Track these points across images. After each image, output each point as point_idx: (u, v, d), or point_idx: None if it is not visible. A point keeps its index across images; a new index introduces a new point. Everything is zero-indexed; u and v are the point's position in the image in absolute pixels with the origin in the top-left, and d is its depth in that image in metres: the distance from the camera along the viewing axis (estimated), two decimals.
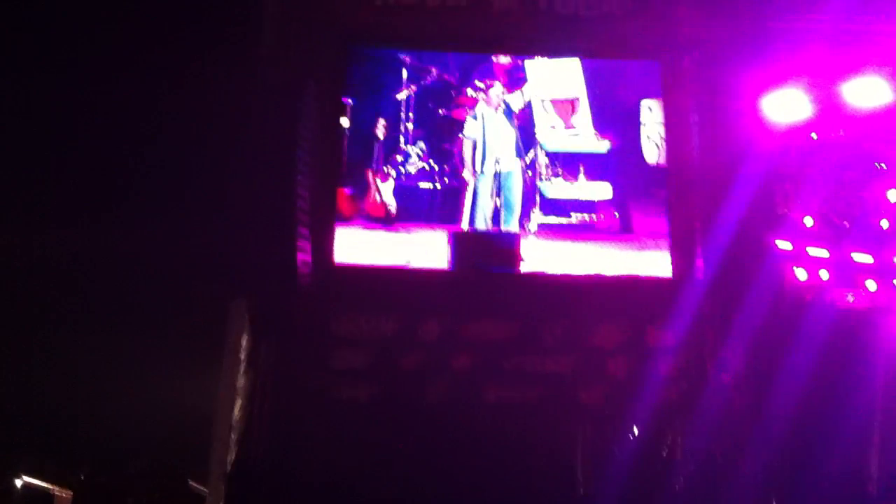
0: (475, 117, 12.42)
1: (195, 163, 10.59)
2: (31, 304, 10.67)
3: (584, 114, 12.48)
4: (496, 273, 11.65)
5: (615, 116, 12.54)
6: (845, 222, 11.88)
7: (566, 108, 12.50)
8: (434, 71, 12.52)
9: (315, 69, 11.61)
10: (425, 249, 11.93)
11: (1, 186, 10.56)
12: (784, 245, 11.71)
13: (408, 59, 12.48)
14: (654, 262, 11.97)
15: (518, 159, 12.37)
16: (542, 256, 11.97)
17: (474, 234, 12.09)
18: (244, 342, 11.03)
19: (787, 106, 11.61)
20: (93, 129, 10.69)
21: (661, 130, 12.38)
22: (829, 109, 11.56)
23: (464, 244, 11.82)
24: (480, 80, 12.45)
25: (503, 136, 12.40)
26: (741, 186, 11.44)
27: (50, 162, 10.66)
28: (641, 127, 12.46)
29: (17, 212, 10.67)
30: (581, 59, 12.53)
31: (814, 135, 11.64)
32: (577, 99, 12.50)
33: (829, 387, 11.15)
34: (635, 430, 11.53)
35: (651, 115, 12.44)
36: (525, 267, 11.80)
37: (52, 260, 10.52)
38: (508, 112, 12.43)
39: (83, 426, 10.56)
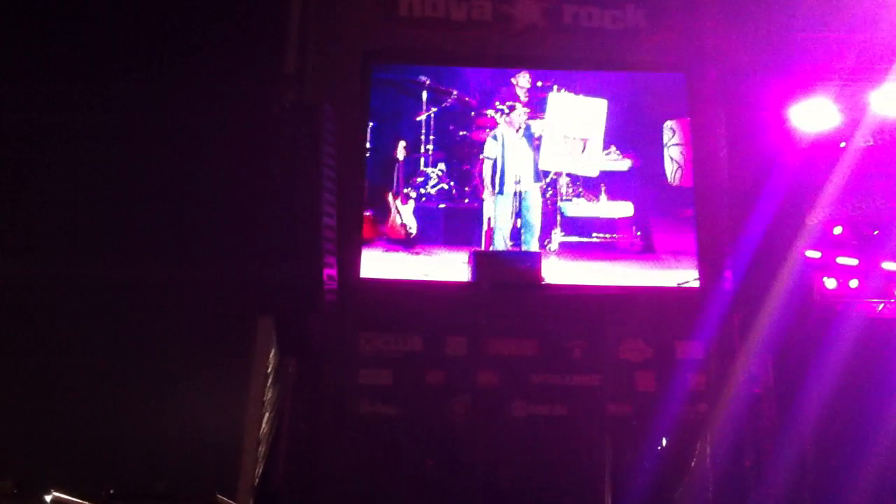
0: (495, 137, 12.41)
1: (222, 182, 10.61)
2: (61, 323, 10.73)
3: (593, 151, 12.47)
4: (520, 290, 11.67)
5: (638, 136, 12.50)
6: (874, 231, 11.78)
7: (576, 145, 12.48)
8: (454, 93, 12.52)
9: (336, 89, 11.68)
10: (446, 270, 11.98)
11: (34, 211, 10.65)
12: (813, 254, 11.63)
13: (428, 82, 12.50)
14: (680, 277, 11.99)
15: (537, 182, 12.38)
16: (564, 274, 11.99)
17: (495, 254, 12.08)
18: (271, 358, 11.08)
19: (814, 115, 11.52)
20: (116, 150, 10.74)
21: (684, 151, 12.39)
22: (857, 118, 11.47)
23: (484, 264, 11.86)
24: (502, 103, 12.47)
25: (522, 158, 12.38)
26: (769, 196, 11.37)
27: (79, 186, 10.72)
28: (665, 148, 12.45)
29: (47, 236, 10.74)
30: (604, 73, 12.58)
31: (842, 143, 11.55)
32: (588, 139, 12.51)
33: (858, 397, 11.06)
34: (664, 442, 11.50)
35: (674, 137, 12.43)
36: (550, 285, 11.84)
37: (80, 280, 10.57)
38: (528, 134, 12.40)
39: (112, 442, 10.59)
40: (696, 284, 11.88)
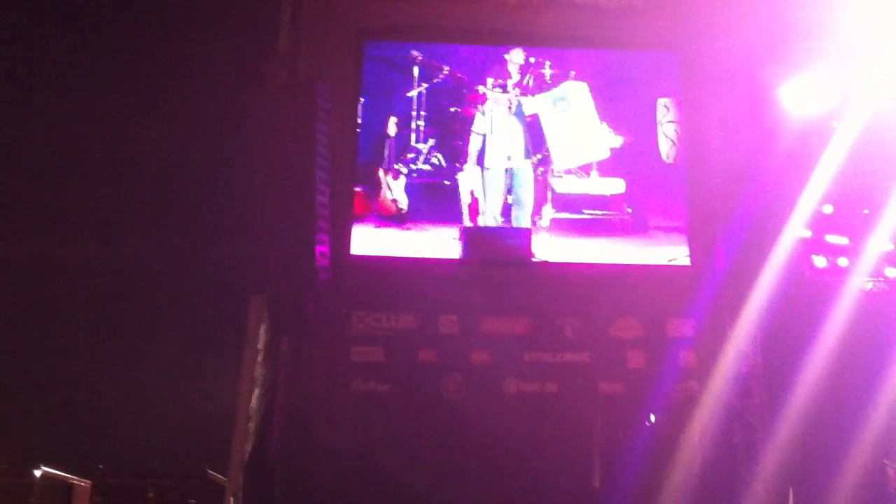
0: (484, 113, 12.36)
1: (214, 161, 10.58)
2: (52, 303, 10.70)
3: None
4: (511, 267, 11.69)
5: (630, 113, 12.42)
6: (865, 210, 11.81)
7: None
8: (446, 69, 12.40)
9: (329, 66, 11.60)
10: (437, 246, 11.92)
11: (34, 199, 10.61)
12: (803, 233, 11.65)
13: (420, 57, 12.39)
14: (670, 254, 11.99)
15: (527, 159, 12.34)
16: (555, 251, 11.95)
17: (486, 230, 12.05)
18: (263, 335, 11.06)
19: (806, 95, 11.53)
20: (106, 132, 10.69)
21: (678, 128, 12.35)
22: (849, 99, 11.48)
23: (475, 240, 11.86)
24: (495, 79, 12.40)
25: (512, 134, 12.33)
26: (760, 175, 11.39)
27: (69, 166, 10.66)
28: (658, 125, 12.42)
29: (38, 216, 10.69)
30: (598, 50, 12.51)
31: (834, 124, 11.55)
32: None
33: (847, 374, 11.13)
34: (654, 419, 11.55)
35: (668, 114, 12.40)
36: (540, 261, 11.84)
37: (73, 260, 10.54)
38: (519, 112, 12.34)
39: (103, 419, 10.60)
40: (687, 261, 11.87)
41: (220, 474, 10.08)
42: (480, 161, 12.21)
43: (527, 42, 12.36)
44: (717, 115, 11.85)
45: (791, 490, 11.10)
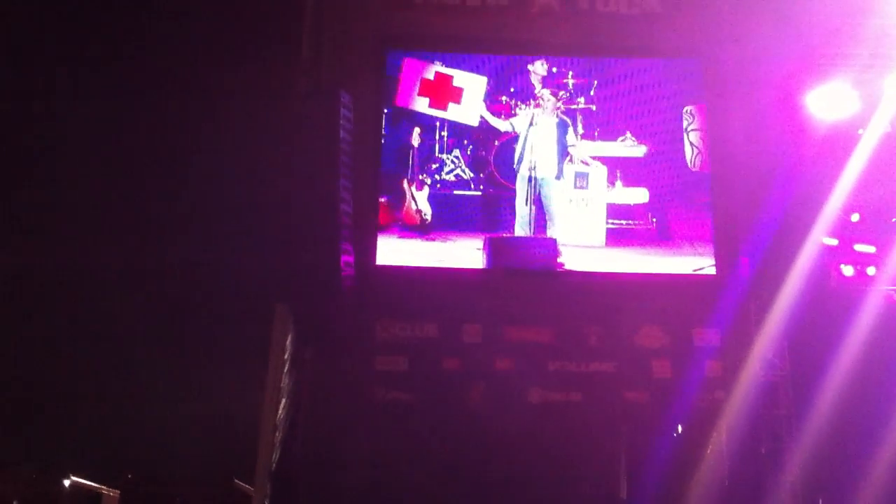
0: (528, 118, 12.37)
1: (240, 170, 10.65)
2: (81, 311, 10.83)
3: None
4: (537, 276, 11.70)
5: (654, 121, 12.37)
6: (892, 218, 11.74)
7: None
8: None
9: (352, 75, 11.67)
10: (461, 256, 11.93)
11: (60, 207, 10.75)
12: (830, 241, 11.59)
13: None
14: (696, 264, 11.94)
15: (558, 179, 12.34)
16: (580, 261, 11.95)
17: (511, 240, 12.01)
18: (288, 346, 11.11)
19: (831, 102, 11.49)
20: (128, 139, 10.80)
21: (703, 135, 12.28)
22: (875, 105, 11.42)
23: (499, 250, 11.84)
24: (517, 89, 12.38)
25: (546, 144, 12.33)
26: (785, 182, 11.35)
27: (100, 176, 10.80)
28: (685, 133, 12.38)
29: (69, 224, 10.84)
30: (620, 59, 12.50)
31: (860, 130, 11.49)
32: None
33: (874, 384, 11.06)
34: (679, 429, 11.50)
35: (693, 121, 12.37)
36: (565, 270, 11.82)
37: (101, 269, 10.65)
38: (563, 124, 12.38)
39: (130, 428, 10.70)
40: (713, 271, 11.82)
41: (247, 483, 10.11)
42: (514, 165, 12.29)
43: (549, 51, 12.33)
44: (742, 123, 11.79)
45: (820, 500, 11.03)
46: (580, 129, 12.29)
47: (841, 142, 11.54)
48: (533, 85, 12.37)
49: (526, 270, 11.73)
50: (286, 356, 11.21)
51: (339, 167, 10.70)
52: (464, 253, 11.95)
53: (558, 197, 12.20)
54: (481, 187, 12.26)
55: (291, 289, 10.84)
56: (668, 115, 12.37)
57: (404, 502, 10.83)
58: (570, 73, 12.38)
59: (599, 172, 12.20)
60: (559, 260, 11.85)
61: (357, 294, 11.00)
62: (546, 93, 12.30)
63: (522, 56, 12.43)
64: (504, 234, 12.06)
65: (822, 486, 11.04)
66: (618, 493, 11.49)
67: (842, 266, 11.68)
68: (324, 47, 11.73)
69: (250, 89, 10.61)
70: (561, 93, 12.29)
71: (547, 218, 12.13)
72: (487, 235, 11.97)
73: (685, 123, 12.36)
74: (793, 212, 11.29)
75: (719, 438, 11.37)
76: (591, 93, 12.33)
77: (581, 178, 12.24)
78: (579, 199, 12.20)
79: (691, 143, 12.31)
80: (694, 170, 12.25)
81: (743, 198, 11.67)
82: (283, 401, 11.17)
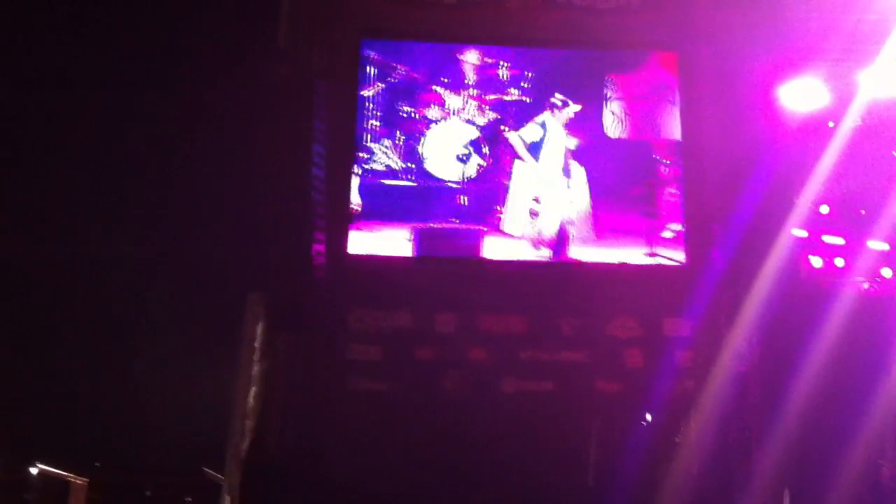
0: (543, 126, 12.31)
1: (211, 159, 10.57)
2: (48, 302, 10.73)
3: None
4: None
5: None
6: (861, 210, 11.84)
7: None
8: (401, 68, 12.37)
9: (328, 64, 11.60)
10: (389, 246, 11.86)
11: (28, 199, 10.64)
12: (800, 233, 11.68)
13: (375, 56, 12.32)
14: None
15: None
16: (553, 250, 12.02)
17: (438, 230, 11.96)
18: (260, 334, 11.08)
19: (804, 95, 11.58)
20: (95, 129, 10.67)
21: (625, 106, 12.33)
22: (847, 98, 11.51)
23: (427, 239, 11.85)
24: (449, 79, 12.36)
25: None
26: (757, 175, 11.41)
27: (68, 166, 10.68)
28: (605, 103, 12.37)
29: (36, 217, 10.72)
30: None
31: (831, 123, 11.58)
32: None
33: (844, 375, 11.13)
34: (650, 419, 11.56)
35: (615, 90, 12.40)
36: (487, 259, 11.87)
37: (70, 259, 10.54)
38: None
39: (100, 417, 10.62)
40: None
41: (218, 472, 10.08)
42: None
43: (526, 44, 12.37)
44: (716, 116, 11.84)
45: (787, 490, 11.12)
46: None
47: (813, 135, 11.63)
48: (465, 74, 12.38)
49: (451, 258, 11.81)
50: (257, 344, 11.18)
51: (312, 156, 10.68)
52: (391, 243, 11.87)
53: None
54: (412, 177, 12.17)
55: (263, 277, 10.82)
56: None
57: (378, 490, 10.83)
58: (530, 73, 12.37)
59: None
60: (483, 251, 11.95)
61: (330, 282, 10.99)
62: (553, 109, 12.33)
63: (454, 45, 12.42)
64: (432, 225, 12.03)
65: (790, 475, 11.12)
66: (589, 480, 11.56)
67: (811, 257, 11.77)
68: (299, 38, 11.65)
69: (223, 77, 10.52)
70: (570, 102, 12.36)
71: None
72: (414, 226, 11.93)
73: (606, 91, 12.40)
74: (765, 203, 11.34)
75: (690, 428, 11.44)
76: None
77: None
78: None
79: (613, 113, 12.39)
80: (613, 137, 12.32)
81: (715, 190, 11.74)
82: (254, 389, 11.13)
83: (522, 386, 11.51)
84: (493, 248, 11.95)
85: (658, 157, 12.27)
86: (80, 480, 9.92)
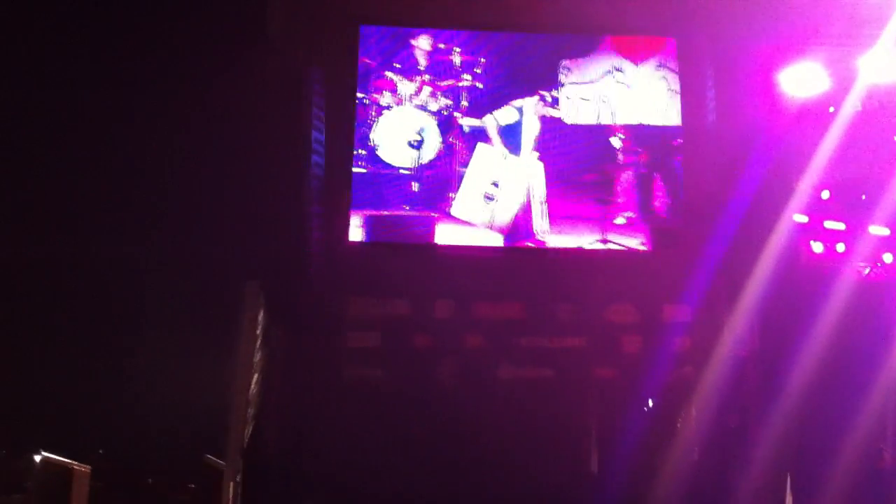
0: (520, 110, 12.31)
1: (208, 148, 10.58)
2: (52, 295, 10.81)
3: None
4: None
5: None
6: (862, 195, 11.83)
7: None
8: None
9: (323, 52, 11.61)
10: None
11: (30, 193, 10.70)
12: (800, 218, 11.67)
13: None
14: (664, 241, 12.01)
15: None
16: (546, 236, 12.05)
17: (388, 217, 12.00)
18: (259, 322, 11.14)
19: (803, 80, 11.53)
20: (87, 125, 10.69)
21: (581, 92, 12.32)
22: (846, 83, 11.47)
23: (377, 226, 11.90)
24: (401, 64, 12.29)
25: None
26: (757, 160, 11.41)
27: (60, 163, 10.72)
28: (559, 88, 12.36)
29: (35, 215, 10.79)
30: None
31: (831, 108, 11.55)
32: None
33: (845, 360, 11.14)
34: (650, 404, 11.60)
35: (570, 76, 12.37)
36: (439, 245, 11.92)
37: (70, 253, 10.62)
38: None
39: (103, 406, 10.69)
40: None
41: (219, 460, 10.16)
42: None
43: (521, 29, 12.32)
44: (715, 101, 11.87)
45: (788, 474, 11.14)
46: None
47: (812, 120, 11.60)
48: (417, 60, 12.32)
49: (401, 244, 11.87)
50: (257, 332, 11.24)
51: (309, 145, 10.71)
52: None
53: None
54: (362, 163, 12.12)
55: (262, 266, 10.89)
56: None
57: (375, 478, 10.88)
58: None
59: None
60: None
61: (328, 271, 11.04)
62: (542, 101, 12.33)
63: (408, 30, 12.34)
64: (384, 212, 12.01)
65: (790, 460, 11.15)
66: (588, 467, 11.62)
67: (812, 243, 11.76)
68: (294, 24, 11.62)
69: (215, 66, 10.52)
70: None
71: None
72: (365, 213, 11.93)
73: (560, 76, 12.38)
74: (765, 189, 11.35)
75: (689, 413, 11.49)
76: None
77: None
78: None
79: (568, 98, 12.33)
80: (569, 123, 12.30)
81: (715, 175, 11.74)
82: (256, 376, 11.20)
83: (520, 373, 11.59)
84: (446, 234, 11.97)
85: (614, 143, 12.28)
86: (82, 468, 9.99)
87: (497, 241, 12.02)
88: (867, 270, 11.74)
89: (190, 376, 10.67)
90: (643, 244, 12.04)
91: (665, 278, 11.63)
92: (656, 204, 12.21)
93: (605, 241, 12.01)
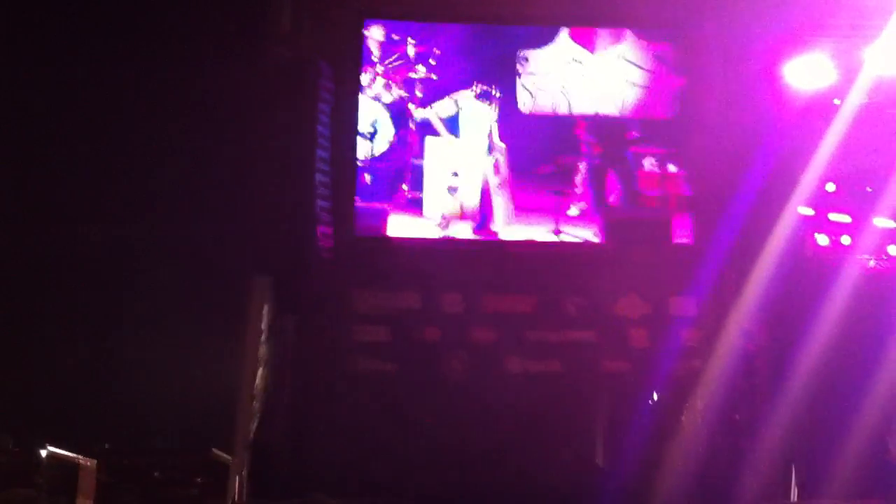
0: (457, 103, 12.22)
1: (215, 141, 10.56)
2: (58, 284, 10.78)
3: None
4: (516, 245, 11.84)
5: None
6: (868, 188, 11.82)
7: None
8: None
9: (331, 46, 11.59)
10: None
11: (34, 185, 10.67)
12: (806, 211, 11.67)
13: None
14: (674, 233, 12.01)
15: None
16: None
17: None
18: (266, 314, 11.14)
19: (809, 72, 11.51)
20: (98, 115, 10.68)
21: (536, 81, 12.26)
22: (852, 75, 11.45)
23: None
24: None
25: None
26: (763, 152, 11.40)
27: (72, 149, 10.69)
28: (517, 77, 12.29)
29: (40, 199, 10.76)
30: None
31: (836, 101, 11.53)
32: None
33: (851, 353, 11.14)
34: (657, 397, 11.60)
35: (527, 66, 12.30)
36: (390, 237, 11.92)
37: (76, 241, 10.60)
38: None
39: (109, 398, 10.68)
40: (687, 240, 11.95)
41: (226, 453, 10.14)
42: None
43: (525, 21, 12.25)
44: (720, 94, 11.85)
45: (794, 467, 11.15)
46: None
47: (818, 112, 11.58)
48: (371, 51, 12.18)
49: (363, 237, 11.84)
50: (263, 326, 11.24)
51: (316, 138, 10.71)
52: None
53: None
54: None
55: (268, 259, 10.90)
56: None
57: (384, 471, 10.90)
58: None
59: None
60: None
61: (336, 264, 11.05)
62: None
63: (502, 25, 12.28)
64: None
65: (796, 452, 11.15)
66: (596, 459, 11.63)
67: (817, 235, 11.77)
68: (301, 19, 11.60)
69: (226, 60, 10.50)
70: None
71: None
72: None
73: (518, 66, 12.30)
74: (771, 181, 11.34)
75: (696, 406, 11.49)
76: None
77: None
78: None
79: (524, 86, 12.32)
80: (525, 112, 12.25)
81: (721, 168, 11.72)
82: (261, 370, 11.21)
83: (529, 366, 11.60)
84: (399, 227, 11.95)
85: (571, 134, 12.26)
86: (89, 462, 9.95)
87: (459, 232, 12.03)
88: (872, 263, 11.73)
89: (197, 370, 10.65)
90: (596, 235, 12.05)
91: (618, 271, 11.68)
92: (610, 198, 12.19)
93: (557, 233, 12.01)
